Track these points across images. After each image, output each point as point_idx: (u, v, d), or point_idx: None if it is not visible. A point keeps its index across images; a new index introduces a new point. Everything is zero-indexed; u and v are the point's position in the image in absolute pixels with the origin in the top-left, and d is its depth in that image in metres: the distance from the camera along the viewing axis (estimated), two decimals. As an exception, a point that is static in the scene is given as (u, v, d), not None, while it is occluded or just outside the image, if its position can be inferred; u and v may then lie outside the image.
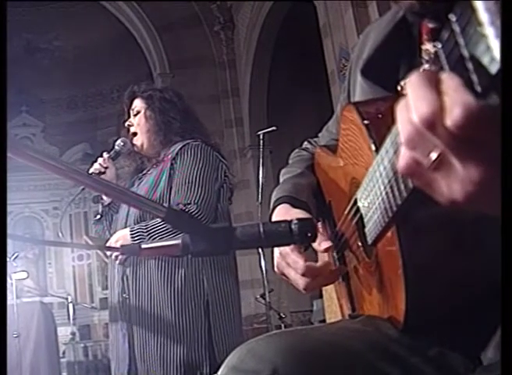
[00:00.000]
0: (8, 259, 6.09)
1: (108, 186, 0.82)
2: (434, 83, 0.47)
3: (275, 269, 1.11)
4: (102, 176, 2.52)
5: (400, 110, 0.52)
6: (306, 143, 1.42)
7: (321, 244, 1.03)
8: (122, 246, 0.88)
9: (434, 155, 0.49)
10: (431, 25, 0.90)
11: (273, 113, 10.16)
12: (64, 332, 9.11)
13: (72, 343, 9.68)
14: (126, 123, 2.60)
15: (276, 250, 1.09)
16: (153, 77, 11.15)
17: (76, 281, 12.86)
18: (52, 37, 13.41)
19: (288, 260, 1.06)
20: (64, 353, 9.18)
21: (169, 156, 2.44)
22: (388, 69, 1.00)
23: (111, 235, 2.47)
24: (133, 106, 2.61)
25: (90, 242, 2.76)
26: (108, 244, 2.38)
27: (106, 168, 2.57)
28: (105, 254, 2.63)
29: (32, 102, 13.46)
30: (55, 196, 13.02)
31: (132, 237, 2.31)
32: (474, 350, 0.86)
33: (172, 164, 2.41)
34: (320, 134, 1.40)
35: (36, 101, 13.63)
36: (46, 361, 6.01)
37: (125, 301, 2.39)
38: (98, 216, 2.70)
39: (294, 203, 1.15)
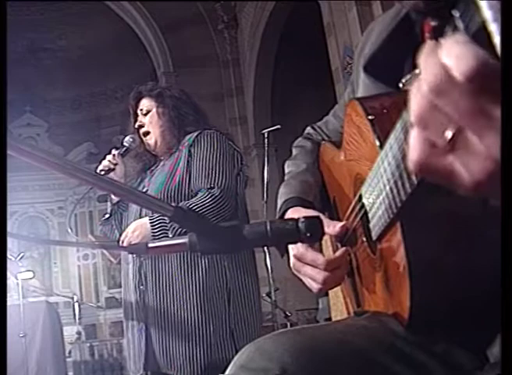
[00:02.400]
0: (14, 259, 6.12)
1: (113, 185, 0.82)
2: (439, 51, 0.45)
3: (292, 270, 1.10)
4: (111, 173, 2.49)
5: (414, 91, 0.47)
6: (309, 128, 1.39)
7: (336, 226, 1.03)
8: (128, 245, 0.88)
9: (449, 133, 0.45)
10: (433, 23, 0.91)
11: (277, 111, 10.17)
12: (70, 331, 9.12)
13: (78, 342, 9.67)
14: (137, 124, 2.55)
15: (291, 251, 1.08)
16: (157, 76, 11.16)
17: (81, 280, 12.90)
18: (56, 37, 13.43)
19: (306, 260, 1.05)
20: (70, 353, 9.18)
21: (185, 144, 2.40)
22: (390, 65, 0.99)
23: (120, 234, 2.39)
24: (140, 106, 2.56)
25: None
26: (124, 235, 2.30)
27: (115, 165, 2.52)
28: (111, 253, 2.62)
29: (36, 102, 13.49)
30: (59, 196, 13.05)
31: (152, 226, 2.24)
32: (481, 347, 0.86)
33: (189, 151, 2.37)
34: (325, 118, 1.37)
35: (40, 100, 13.66)
36: (52, 360, 6.01)
37: (142, 293, 2.32)
38: (107, 216, 2.62)
39: (303, 204, 1.15)
